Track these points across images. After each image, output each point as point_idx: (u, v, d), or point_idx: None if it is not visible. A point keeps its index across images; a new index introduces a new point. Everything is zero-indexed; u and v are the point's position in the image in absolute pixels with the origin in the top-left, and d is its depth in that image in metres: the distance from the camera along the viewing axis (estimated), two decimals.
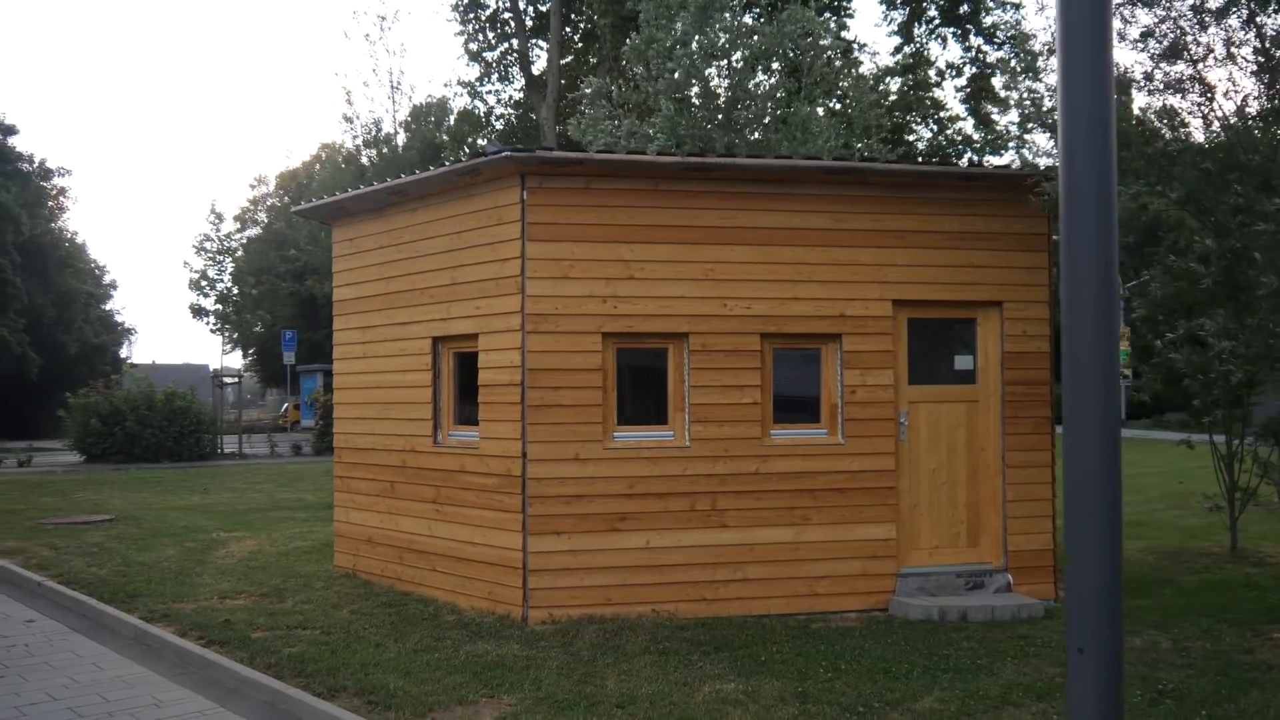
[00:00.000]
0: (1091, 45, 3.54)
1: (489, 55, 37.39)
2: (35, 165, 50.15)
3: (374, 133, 26.38)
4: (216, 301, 29.13)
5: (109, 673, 6.65)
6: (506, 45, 37.26)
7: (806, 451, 8.42)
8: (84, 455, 24.71)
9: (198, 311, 28.69)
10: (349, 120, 26.52)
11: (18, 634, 7.67)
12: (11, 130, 45.29)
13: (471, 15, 36.69)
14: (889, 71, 32.08)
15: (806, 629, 7.73)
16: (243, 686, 6.23)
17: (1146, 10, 7.45)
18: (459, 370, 8.90)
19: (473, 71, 40.82)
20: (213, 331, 29.00)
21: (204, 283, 28.74)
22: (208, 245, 28.97)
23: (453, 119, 38.01)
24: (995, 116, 30.86)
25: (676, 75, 15.59)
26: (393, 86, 27.50)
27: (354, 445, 9.97)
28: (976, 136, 32.08)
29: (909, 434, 8.68)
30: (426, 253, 9.01)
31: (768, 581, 8.29)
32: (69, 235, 55.56)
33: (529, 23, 36.49)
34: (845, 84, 19.42)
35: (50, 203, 53.20)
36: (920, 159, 22.74)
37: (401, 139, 43.17)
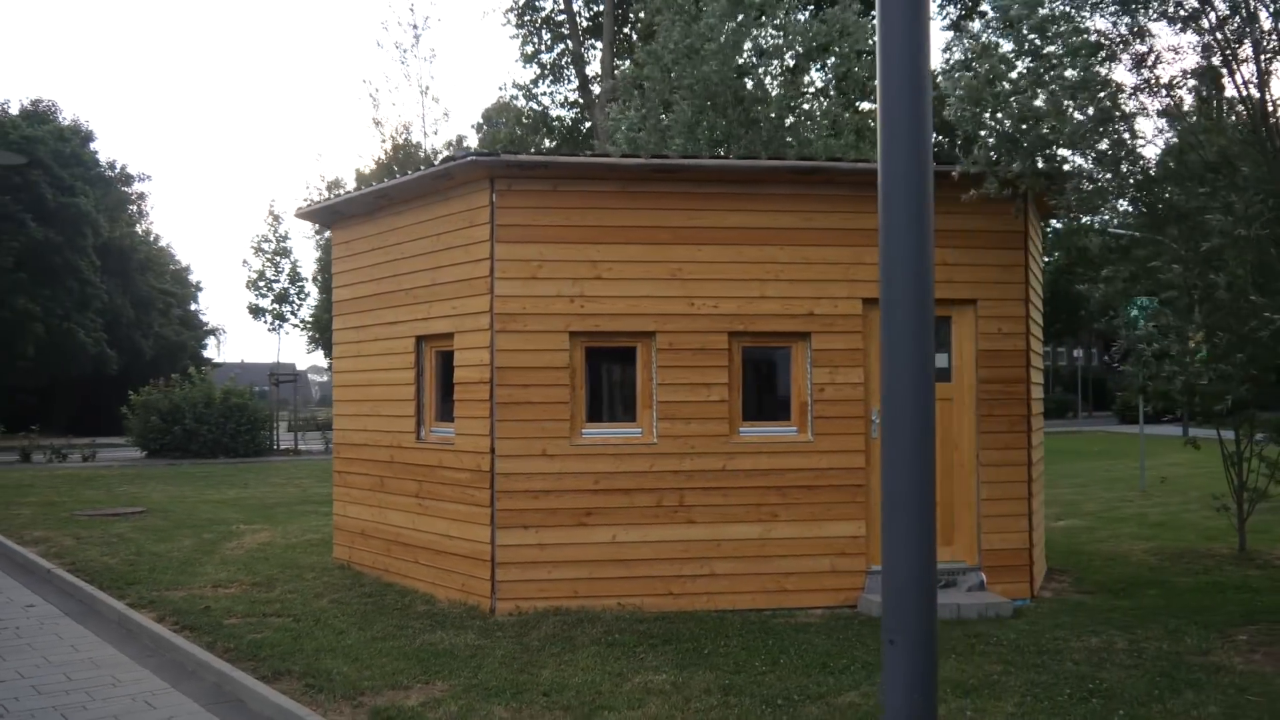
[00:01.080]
0: (909, 64, 3.63)
1: (544, 58, 37.85)
2: (116, 171, 52.14)
3: (404, 137, 26.99)
4: (274, 301, 30.03)
5: (82, 654, 7.04)
6: (562, 47, 37.68)
7: (775, 449, 8.50)
8: (145, 451, 25.68)
9: (255, 311, 29.60)
10: (378, 124, 27.17)
11: (14, 617, 8.13)
12: (90, 137, 47.13)
13: (528, 18, 37.20)
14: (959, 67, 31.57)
15: (765, 624, 7.81)
16: (199, 669, 6.55)
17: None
18: (440, 368, 9.17)
19: (528, 74, 41.28)
20: (270, 330, 29.73)
21: (260, 283, 29.64)
22: (265, 246, 29.87)
23: (521, 120, 38.49)
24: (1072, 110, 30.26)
25: (707, 73, 15.57)
26: (422, 92, 27.97)
27: (350, 441, 10.31)
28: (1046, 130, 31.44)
29: (880, 432, 8.68)
30: (410, 254, 9.29)
31: (735, 577, 8.39)
32: (150, 238, 57.57)
33: (583, 24, 36.86)
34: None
35: (131, 207, 55.25)
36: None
37: (474, 140, 43.86)
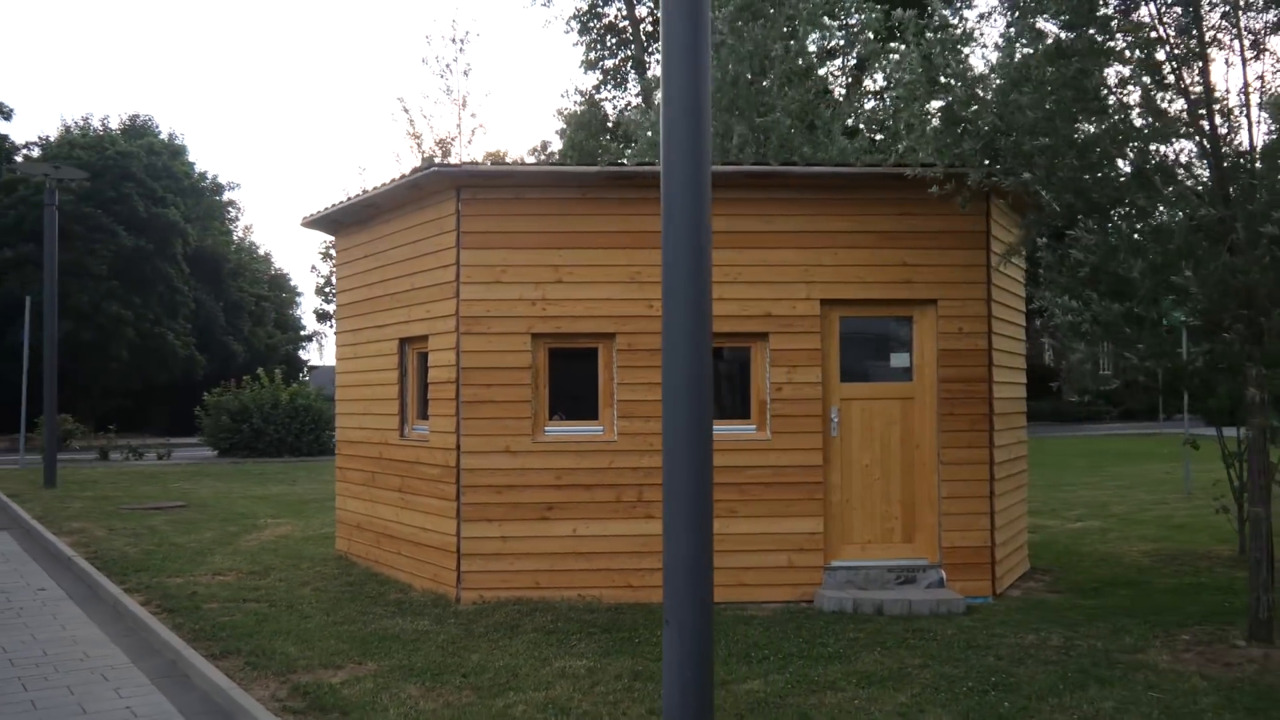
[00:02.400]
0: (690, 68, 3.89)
1: (607, 63, 38.39)
2: (208, 182, 54.33)
3: (442, 150, 27.68)
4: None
5: (67, 633, 7.65)
6: (626, 53, 38.18)
7: (733, 447, 8.72)
8: (217, 450, 26.88)
9: (322, 316, 30.65)
10: (416, 138, 27.93)
11: (21, 599, 8.81)
12: (181, 151, 49.25)
13: (592, 24, 37.80)
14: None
15: (713, 618, 8.03)
16: (162, 648, 7.08)
17: None
18: (419, 369, 9.61)
19: (590, 79, 41.85)
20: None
21: (328, 288, 30.65)
22: (331, 252, 30.86)
23: (609, 125, 39.09)
24: (1165, 104, 29.47)
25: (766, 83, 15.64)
26: (460, 106, 28.57)
27: (348, 439, 10.85)
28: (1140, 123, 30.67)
29: (841, 430, 8.85)
30: (395, 260, 9.77)
31: None
32: (244, 245, 59.78)
33: (646, 29, 37.27)
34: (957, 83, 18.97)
35: (223, 215, 57.51)
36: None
37: (558, 145, 44.59)
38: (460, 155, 28.17)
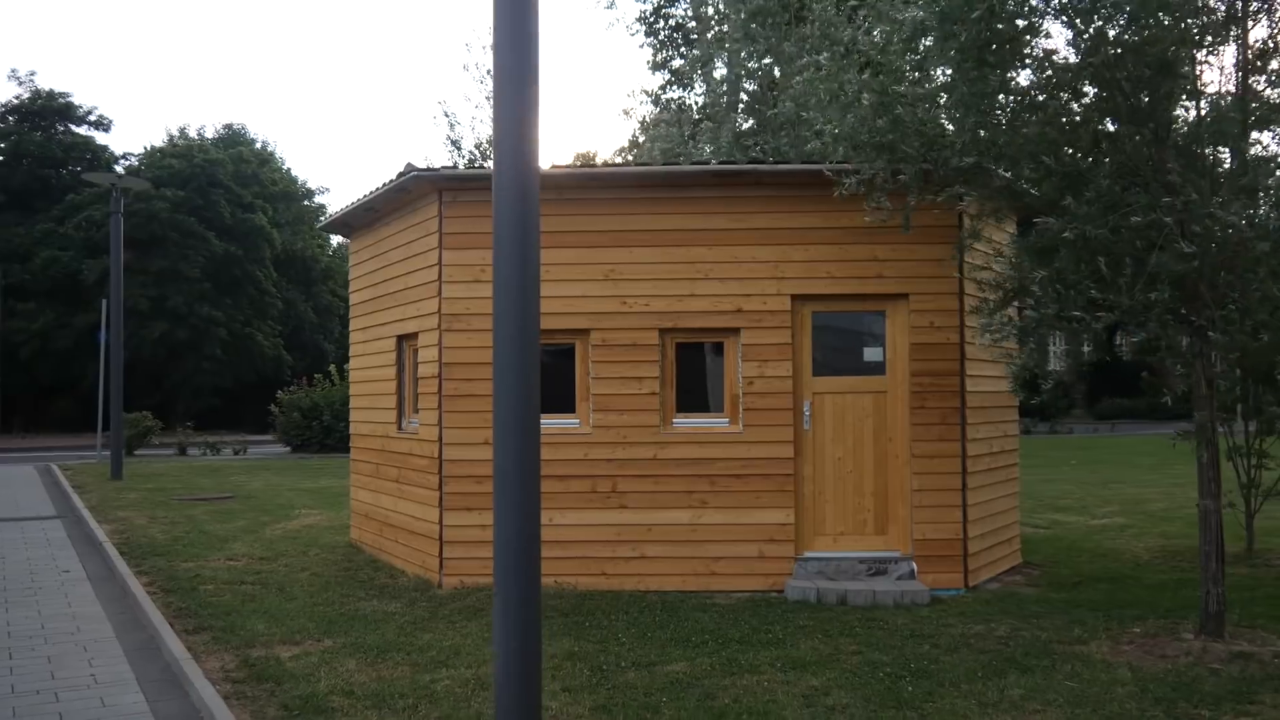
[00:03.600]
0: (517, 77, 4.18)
1: (676, 63, 38.56)
2: (299, 186, 56.25)
3: (483, 154, 28.09)
4: None
5: (71, 610, 8.26)
6: (696, 53, 38.29)
7: (705, 439, 8.94)
8: (289, 446, 27.95)
9: None
10: (454, 144, 28.44)
11: (45, 579, 9.50)
12: (268, 158, 51.11)
13: (659, 25, 38.07)
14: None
15: (676, 604, 8.27)
16: (147, 624, 7.62)
17: None
18: (413, 365, 10.05)
19: (656, 80, 42.07)
20: None
21: None
22: None
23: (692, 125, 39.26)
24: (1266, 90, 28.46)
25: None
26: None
27: (359, 432, 11.38)
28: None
29: (813, 424, 8.99)
30: (393, 261, 10.24)
31: (666, 560, 8.88)
32: (336, 249, 61.69)
33: (718, 29, 37.35)
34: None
35: (315, 219, 59.46)
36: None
37: (653, 148, 44.90)
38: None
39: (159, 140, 57.37)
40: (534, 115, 4.23)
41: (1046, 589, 8.95)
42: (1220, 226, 6.30)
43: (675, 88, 38.50)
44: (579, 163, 32.33)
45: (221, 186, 45.21)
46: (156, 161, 45.81)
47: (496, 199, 4.23)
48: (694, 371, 9.21)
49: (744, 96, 17.06)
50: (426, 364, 9.36)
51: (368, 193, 10.08)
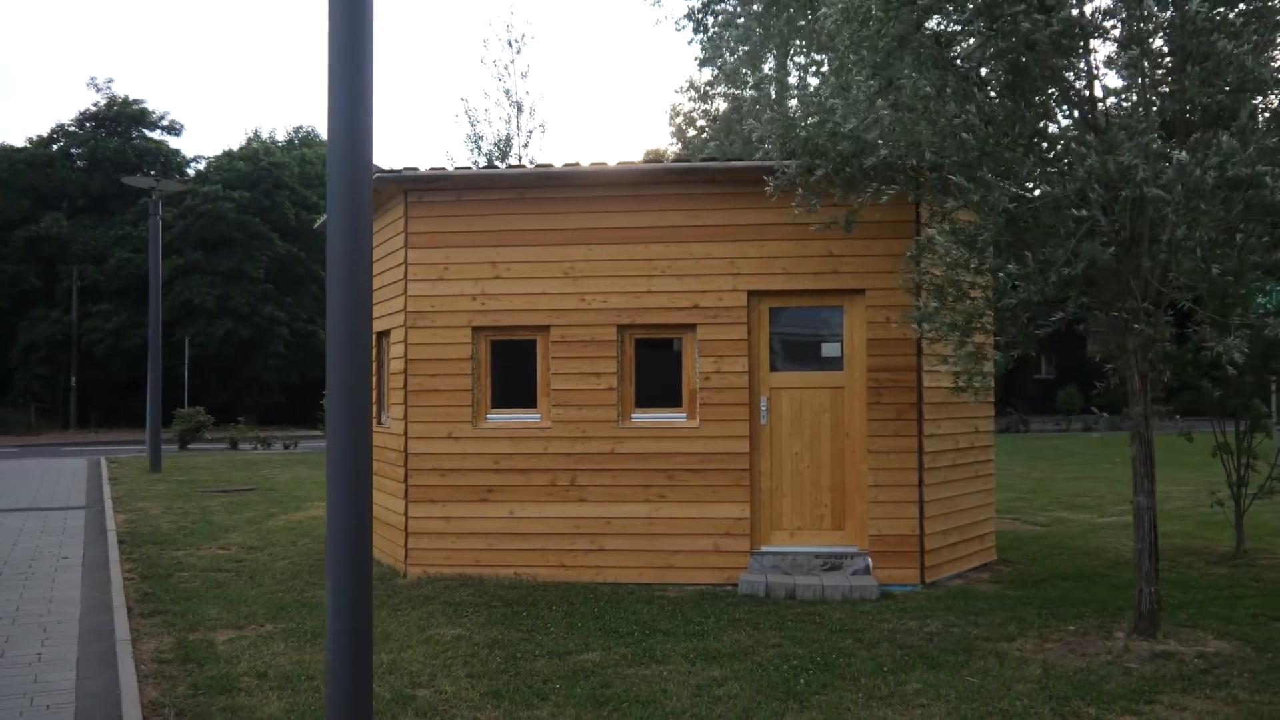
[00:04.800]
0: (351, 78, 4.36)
1: (728, 59, 38.51)
2: None
3: (502, 151, 28.37)
4: None
5: (52, 594, 8.68)
6: (745, 49, 38.20)
7: (662, 434, 9.05)
8: None
9: None
10: (476, 141, 28.64)
11: (42, 565, 9.98)
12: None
13: (708, 20, 38.05)
14: None
15: (623, 596, 8.39)
16: (109, 607, 8.00)
17: None
18: (388, 361, 10.33)
19: (704, 76, 42.08)
20: None
21: None
22: None
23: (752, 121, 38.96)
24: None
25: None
26: (518, 108, 29.16)
27: None
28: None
29: (771, 419, 9.04)
30: (375, 259, 10.50)
31: (624, 553, 9.01)
32: None
33: (767, 27, 37.23)
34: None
35: None
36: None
37: (713, 145, 45.06)
38: (519, 156, 29.08)
39: (231, 143, 59.30)
40: (368, 117, 4.40)
41: (1007, 586, 8.86)
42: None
43: (722, 84, 38.58)
44: (645, 158, 32.63)
45: (286, 188, 46.45)
46: (224, 165, 47.23)
47: (330, 201, 4.41)
48: (654, 367, 9.32)
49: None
50: (395, 360, 9.63)
51: None
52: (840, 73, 7.73)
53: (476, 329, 9.26)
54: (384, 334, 10.34)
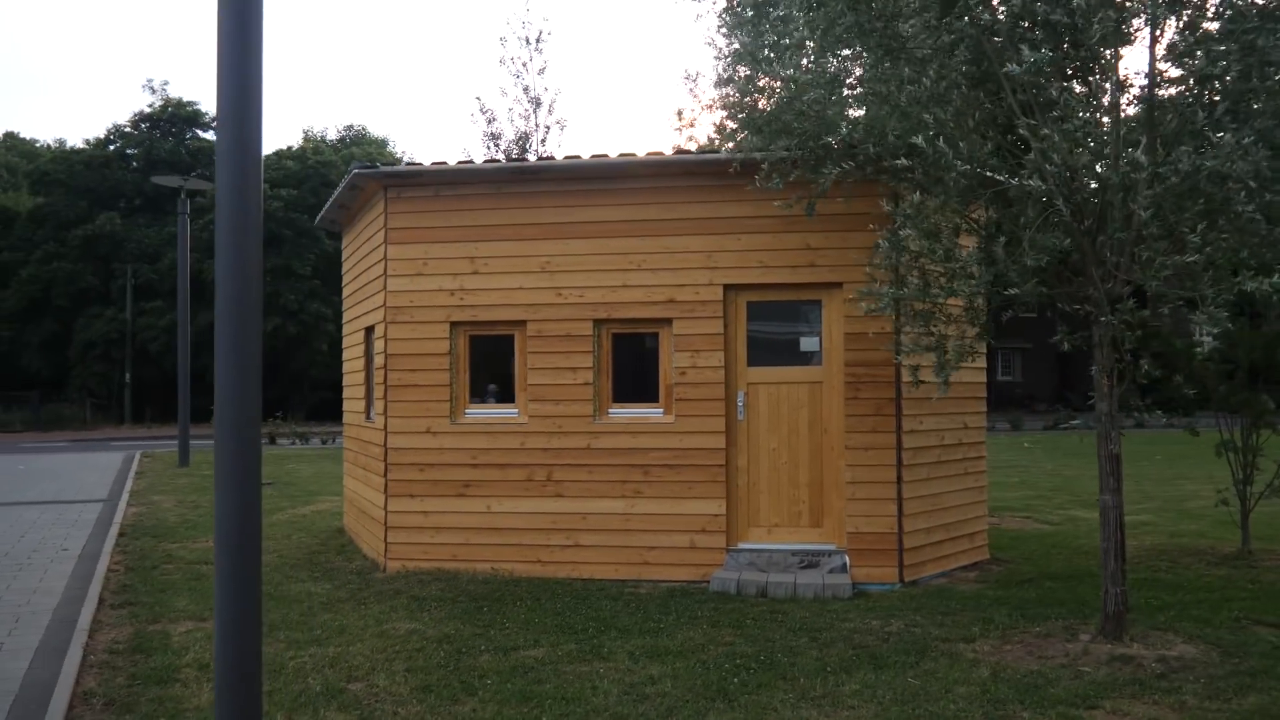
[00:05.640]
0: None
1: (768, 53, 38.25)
2: None
3: (520, 149, 28.29)
4: None
5: (39, 584, 8.86)
6: (785, 41, 37.92)
7: (638, 429, 8.98)
8: None
9: None
10: (494, 138, 28.60)
11: (41, 556, 10.21)
12: (375, 159, 52.87)
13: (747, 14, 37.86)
14: None
15: (592, 593, 8.33)
16: (87, 598, 8.15)
17: None
18: (373, 356, 10.38)
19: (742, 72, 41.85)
20: None
21: None
22: None
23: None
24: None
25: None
26: (535, 104, 29.01)
27: (348, 422, 11.81)
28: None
29: (748, 414, 8.92)
30: (360, 256, 10.61)
31: (600, 549, 8.96)
32: None
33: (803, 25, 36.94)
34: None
35: None
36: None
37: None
38: (537, 154, 29.09)
39: (285, 142, 60.25)
40: (257, 110, 4.39)
41: (990, 585, 8.66)
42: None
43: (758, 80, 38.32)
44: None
45: (333, 186, 46.97)
46: (273, 163, 47.98)
47: (218, 199, 4.41)
48: (631, 362, 9.26)
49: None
50: (379, 355, 9.68)
51: (335, 192, 10.46)
52: (803, 54, 7.63)
53: (455, 324, 9.27)
54: (370, 330, 10.41)
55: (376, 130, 75.10)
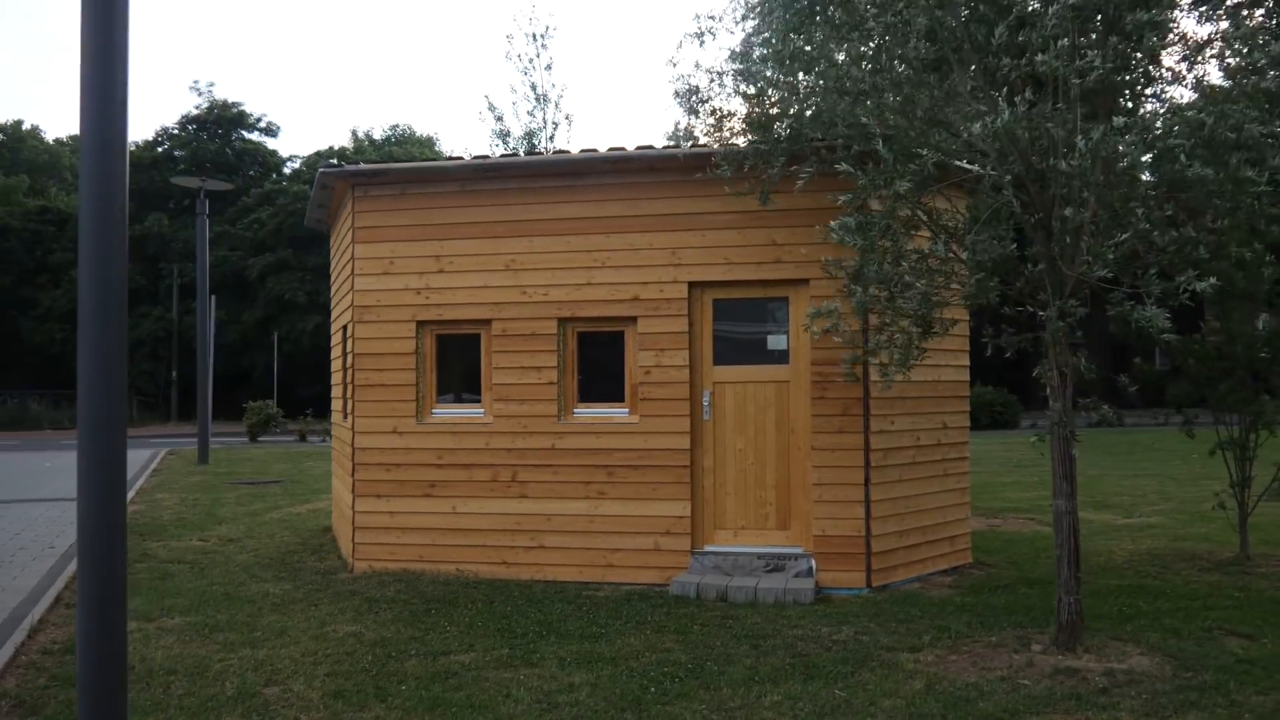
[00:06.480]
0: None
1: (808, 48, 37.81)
2: None
3: (529, 143, 28.13)
4: None
5: (11, 582, 8.95)
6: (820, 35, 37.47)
7: (602, 429, 8.84)
8: None
9: None
10: (503, 136, 28.45)
11: (25, 553, 10.34)
12: (412, 158, 53.25)
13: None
14: None
15: (549, 596, 8.21)
16: (45, 593, 8.21)
17: None
18: (346, 355, 10.36)
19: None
20: None
21: None
22: None
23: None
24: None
25: None
26: (541, 101, 28.78)
27: (334, 423, 11.81)
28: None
29: (714, 414, 8.74)
30: (337, 256, 10.59)
31: (564, 550, 8.84)
32: None
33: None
34: None
35: None
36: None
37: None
38: (545, 150, 28.98)
39: (331, 143, 61.04)
40: (122, 103, 4.31)
41: (963, 591, 8.38)
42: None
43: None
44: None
45: None
46: (315, 164, 48.52)
47: (81, 194, 4.35)
48: (597, 361, 9.11)
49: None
50: (350, 354, 9.65)
51: (312, 192, 10.46)
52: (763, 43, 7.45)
53: (421, 323, 9.21)
54: (345, 329, 10.38)
55: (422, 129, 75.73)
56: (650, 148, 8.70)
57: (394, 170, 9.21)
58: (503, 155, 9.14)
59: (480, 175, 9.06)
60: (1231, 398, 9.34)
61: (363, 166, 9.24)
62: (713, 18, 8.42)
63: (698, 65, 7.77)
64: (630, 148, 8.79)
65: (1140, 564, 9.43)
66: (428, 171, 9.20)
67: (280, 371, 43.30)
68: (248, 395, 45.41)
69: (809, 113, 7.21)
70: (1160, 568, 9.27)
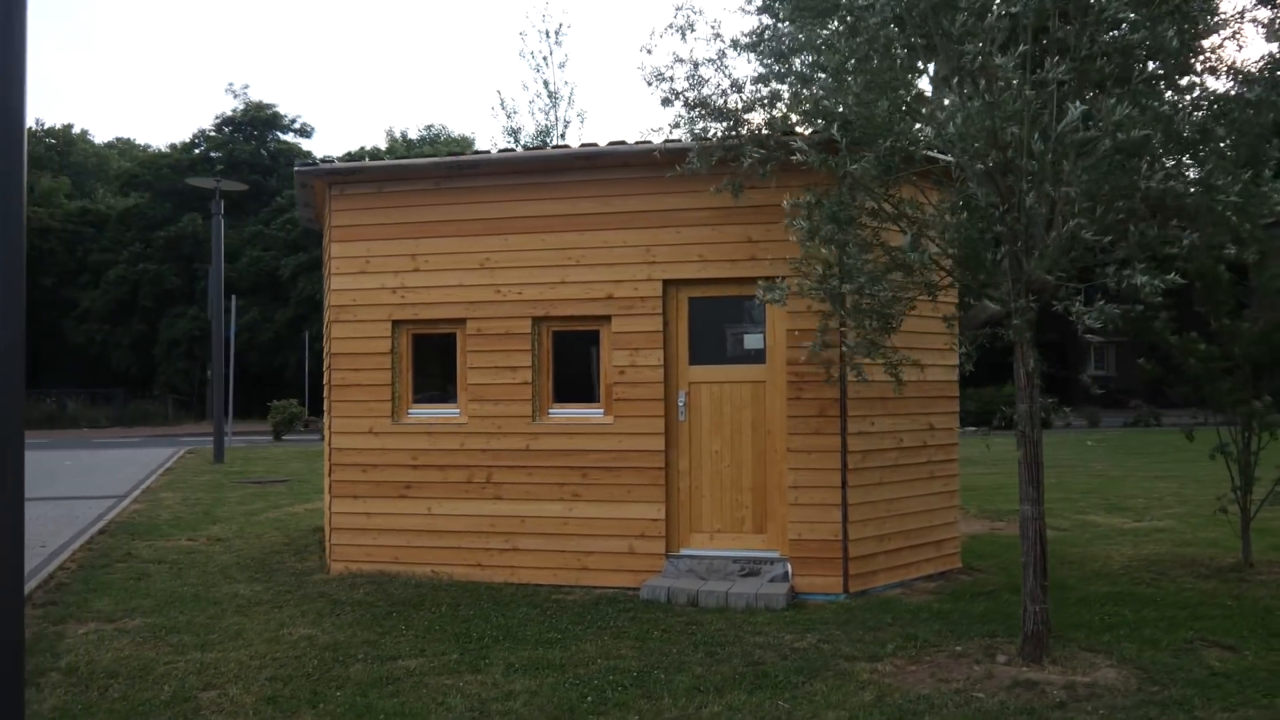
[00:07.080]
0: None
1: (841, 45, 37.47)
2: None
3: (541, 141, 27.95)
4: None
5: None
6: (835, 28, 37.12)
7: (577, 430, 8.70)
8: None
9: None
10: (513, 134, 28.32)
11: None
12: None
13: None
14: None
15: (516, 599, 8.08)
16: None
17: None
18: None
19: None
20: None
21: None
22: None
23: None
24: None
25: None
26: (553, 97, 28.59)
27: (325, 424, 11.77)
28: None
29: (689, 414, 8.57)
30: (322, 254, 10.52)
31: (539, 553, 8.71)
32: None
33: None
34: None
35: None
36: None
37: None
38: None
39: (365, 143, 61.43)
40: (19, 91, 4.23)
41: (944, 598, 8.13)
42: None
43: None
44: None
45: None
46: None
47: None
48: (574, 361, 8.98)
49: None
50: (327, 354, 9.59)
51: (295, 191, 10.41)
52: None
53: (397, 322, 9.13)
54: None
55: (456, 128, 76.01)
56: (622, 143, 8.54)
57: (369, 169, 9.13)
58: (474, 152, 9.01)
59: (455, 173, 8.95)
60: (1229, 398, 9.00)
61: (338, 165, 9.17)
62: (697, 11, 8.25)
63: (676, 56, 7.55)
64: (602, 143, 8.64)
65: (1136, 570, 9.12)
66: (403, 170, 9.12)
67: (311, 371, 43.63)
68: (281, 394, 45.95)
69: (784, 99, 7.02)
70: (1156, 574, 8.95)
